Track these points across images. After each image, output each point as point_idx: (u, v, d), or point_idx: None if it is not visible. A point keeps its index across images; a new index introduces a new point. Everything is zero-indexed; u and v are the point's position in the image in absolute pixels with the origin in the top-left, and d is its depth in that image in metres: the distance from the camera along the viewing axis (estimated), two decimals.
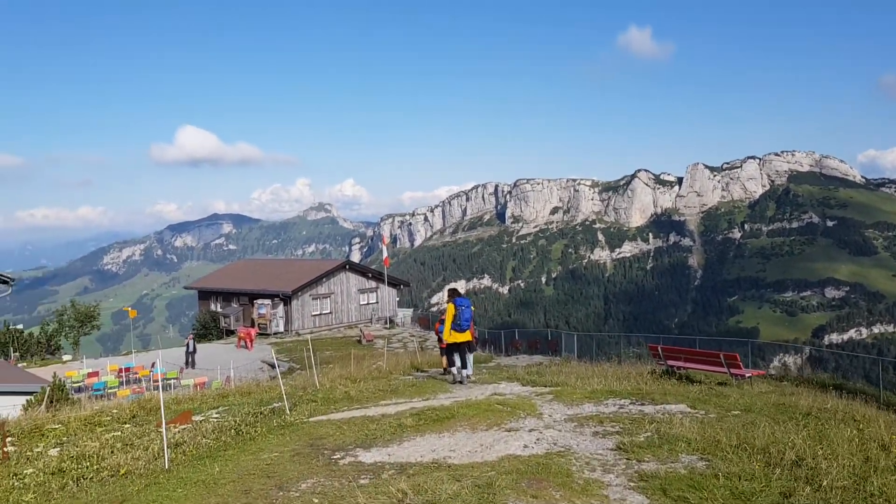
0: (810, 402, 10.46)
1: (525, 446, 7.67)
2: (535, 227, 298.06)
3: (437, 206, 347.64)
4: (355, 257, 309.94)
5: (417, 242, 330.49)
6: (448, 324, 14.22)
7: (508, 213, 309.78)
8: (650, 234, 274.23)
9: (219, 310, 51.61)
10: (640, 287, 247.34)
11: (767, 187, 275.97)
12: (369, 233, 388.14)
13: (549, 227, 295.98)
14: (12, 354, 35.42)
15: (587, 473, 6.55)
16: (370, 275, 56.02)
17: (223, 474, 7.18)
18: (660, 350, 16.17)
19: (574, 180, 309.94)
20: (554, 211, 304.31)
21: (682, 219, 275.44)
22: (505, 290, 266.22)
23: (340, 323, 51.62)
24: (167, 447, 8.60)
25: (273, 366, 35.42)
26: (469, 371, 14.70)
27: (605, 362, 20.22)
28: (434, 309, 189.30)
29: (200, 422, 11.17)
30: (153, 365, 33.63)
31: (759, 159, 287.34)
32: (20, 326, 42.28)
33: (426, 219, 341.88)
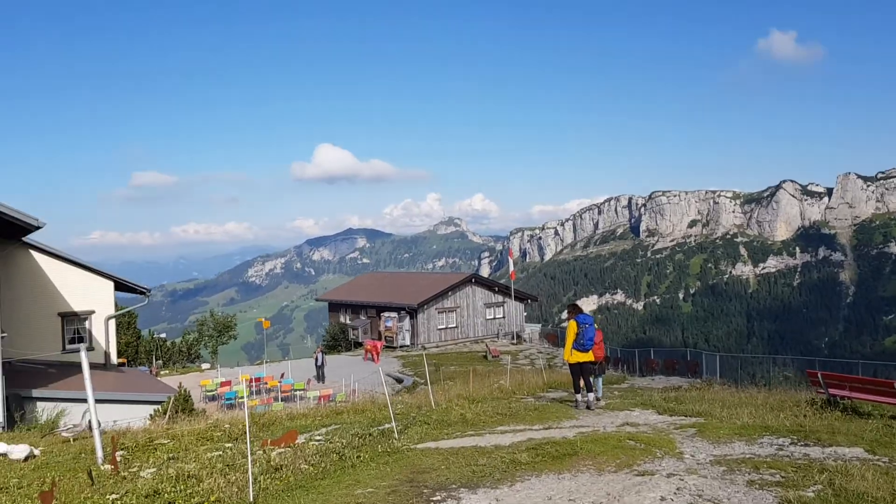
0: None
1: (662, 498, 6.31)
2: (672, 240, 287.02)
3: (567, 220, 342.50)
4: (484, 271, 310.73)
5: (547, 257, 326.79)
6: (569, 343, 13.01)
7: (643, 226, 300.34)
8: (797, 248, 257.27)
9: (347, 322, 52.36)
10: (787, 304, 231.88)
11: None
12: (498, 247, 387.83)
13: (687, 240, 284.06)
14: (155, 362, 37.19)
15: None
16: (497, 289, 55.06)
17: None
18: (820, 377, 14.03)
19: (713, 192, 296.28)
20: (692, 224, 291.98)
21: (833, 232, 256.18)
22: (639, 305, 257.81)
23: (466, 337, 50.92)
24: (256, 474, 7.94)
25: (398, 380, 35.17)
26: (598, 395, 13.42)
27: (752, 387, 18.14)
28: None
29: (304, 443, 10.51)
30: (282, 376, 34.28)
31: None
32: (164, 335, 44.57)
33: (556, 232, 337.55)
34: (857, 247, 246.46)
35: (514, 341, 50.06)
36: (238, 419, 14.49)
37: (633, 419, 11.32)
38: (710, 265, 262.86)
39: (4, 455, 12.65)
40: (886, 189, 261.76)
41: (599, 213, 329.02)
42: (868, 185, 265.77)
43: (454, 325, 50.52)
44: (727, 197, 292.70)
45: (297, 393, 29.80)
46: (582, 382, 13.18)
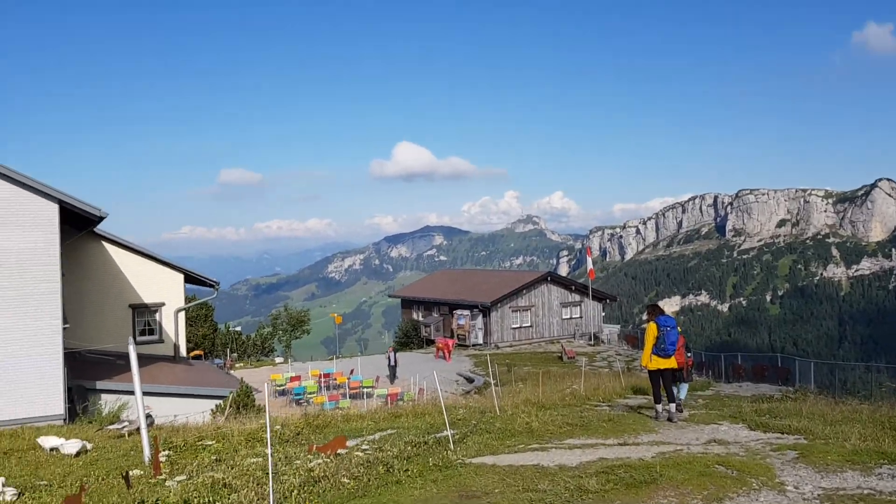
0: None
1: None
2: (760, 240, 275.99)
3: (650, 219, 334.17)
4: (563, 270, 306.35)
5: (628, 256, 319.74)
6: (648, 347, 11.75)
7: (729, 225, 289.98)
8: (893, 250, 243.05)
9: (420, 319, 51.79)
10: (882, 308, 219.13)
11: None
12: (577, 245, 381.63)
13: (776, 241, 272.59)
14: (230, 355, 37.46)
15: None
16: (574, 288, 53.38)
17: None
18: None
19: (804, 190, 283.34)
20: (781, 224, 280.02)
21: None
22: (724, 307, 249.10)
23: (541, 337, 49.50)
24: (291, 487, 7.10)
25: (469, 379, 34.23)
26: (680, 405, 12.11)
27: (850, 397, 16.35)
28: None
29: (352, 449, 9.64)
30: (352, 372, 33.86)
31: None
32: (239, 328, 45.01)
33: (638, 231, 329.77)
34: None
35: (592, 342, 48.37)
36: (291, 419, 13.82)
37: (720, 435, 9.98)
38: (799, 266, 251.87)
39: (57, 449, 12.39)
40: None
41: (683, 211, 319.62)
42: None
43: (528, 325, 49.20)
44: (818, 196, 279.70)
45: (366, 390, 29.23)
46: (663, 391, 11.89)
